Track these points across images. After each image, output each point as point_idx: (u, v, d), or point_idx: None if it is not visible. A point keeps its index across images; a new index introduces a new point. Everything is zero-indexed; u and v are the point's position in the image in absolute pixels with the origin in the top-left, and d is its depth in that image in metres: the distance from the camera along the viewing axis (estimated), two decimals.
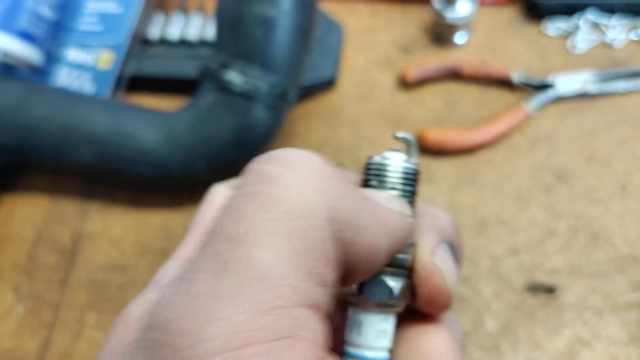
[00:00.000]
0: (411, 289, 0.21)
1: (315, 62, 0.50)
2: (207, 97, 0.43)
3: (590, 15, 0.52)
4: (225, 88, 0.42)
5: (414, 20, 0.54)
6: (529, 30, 0.53)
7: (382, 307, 0.20)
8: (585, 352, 0.39)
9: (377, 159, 0.22)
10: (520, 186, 0.46)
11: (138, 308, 0.19)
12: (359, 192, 0.19)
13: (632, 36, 0.51)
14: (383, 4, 0.56)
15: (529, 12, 0.53)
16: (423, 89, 0.51)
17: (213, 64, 0.42)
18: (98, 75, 0.51)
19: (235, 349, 0.15)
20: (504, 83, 0.50)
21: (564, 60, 0.51)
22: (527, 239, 0.43)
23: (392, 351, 0.21)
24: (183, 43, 0.52)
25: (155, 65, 0.52)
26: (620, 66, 0.50)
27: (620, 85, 0.48)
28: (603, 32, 0.51)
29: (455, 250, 0.22)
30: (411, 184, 0.21)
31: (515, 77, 0.49)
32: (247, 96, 0.42)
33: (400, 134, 0.23)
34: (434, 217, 0.23)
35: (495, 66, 0.50)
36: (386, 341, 0.21)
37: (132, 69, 0.52)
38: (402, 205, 0.21)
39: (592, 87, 0.48)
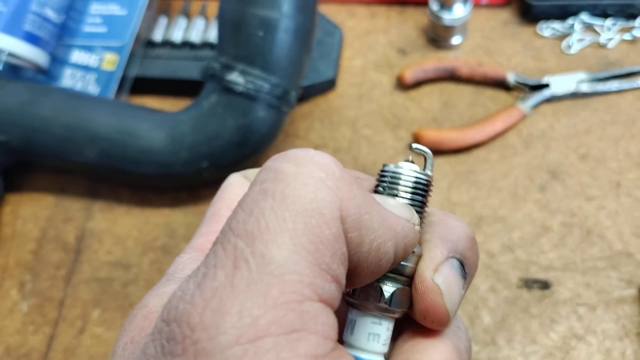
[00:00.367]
0: (409, 298, 0.21)
1: (315, 63, 0.51)
2: (210, 98, 0.44)
3: (584, 17, 0.53)
4: (227, 88, 0.43)
5: (412, 22, 0.55)
6: (524, 31, 0.54)
7: (376, 310, 0.21)
8: (580, 346, 0.40)
9: (391, 167, 0.22)
10: (516, 184, 0.47)
11: (155, 300, 0.20)
12: (369, 196, 0.19)
13: (625, 37, 0.52)
14: (381, 6, 0.57)
15: (524, 14, 0.54)
16: (420, 89, 0.52)
17: (215, 64, 0.43)
18: (102, 77, 0.52)
19: (249, 341, 0.15)
20: (500, 83, 0.51)
21: (558, 60, 0.52)
22: (523, 236, 0.44)
23: (387, 358, 0.21)
24: (186, 45, 0.53)
25: (159, 67, 0.52)
26: (614, 66, 0.51)
27: (614, 85, 0.49)
28: (597, 34, 0.52)
29: (466, 265, 0.22)
30: (422, 194, 0.22)
31: (511, 77, 0.50)
32: (248, 96, 0.43)
33: (418, 146, 0.23)
34: (448, 229, 0.22)
35: (491, 67, 0.51)
36: (378, 346, 0.21)
37: (136, 70, 0.53)
38: (410, 213, 0.21)
39: (586, 87, 0.49)
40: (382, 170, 0.22)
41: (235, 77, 0.42)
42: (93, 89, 0.52)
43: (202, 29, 0.54)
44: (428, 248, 0.21)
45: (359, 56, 0.54)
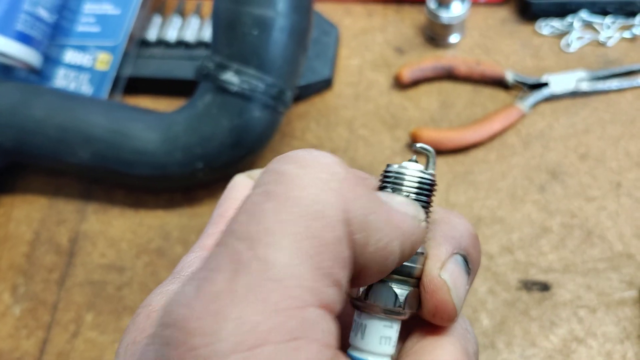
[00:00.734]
0: (418, 299, 0.21)
1: (311, 62, 0.51)
2: (204, 98, 0.43)
3: (584, 14, 0.52)
4: (221, 88, 0.42)
5: (409, 20, 0.55)
6: (523, 30, 0.53)
7: (387, 313, 0.21)
8: (580, 349, 0.40)
9: (394, 166, 0.22)
10: (515, 184, 0.46)
11: (159, 298, 0.20)
12: (374, 195, 0.19)
13: (625, 35, 0.51)
14: (378, 4, 0.56)
15: (522, 12, 0.53)
16: (418, 88, 0.51)
17: (209, 64, 0.43)
18: (96, 77, 0.51)
19: (248, 349, 0.15)
20: (498, 82, 0.50)
21: (557, 59, 0.51)
22: (522, 237, 0.44)
23: (394, 359, 0.21)
24: (180, 44, 0.53)
25: (153, 67, 0.52)
26: (614, 65, 0.50)
27: (614, 83, 0.49)
28: (596, 32, 0.52)
29: (469, 261, 0.22)
30: (426, 193, 0.22)
31: (510, 76, 0.50)
32: (243, 96, 0.42)
33: (420, 145, 0.23)
34: (451, 226, 0.22)
35: (490, 65, 0.50)
36: (389, 348, 0.21)
37: (130, 70, 0.52)
38: (416, 209, 0.20)
39: (586, 86, 0.49)
40: (386, 171, 0.22)
41: (230, 77, 0.42)
42: (86, 89, 0.51)
43: (196, 28, 0.53)
44: (432, 246, 0.21)
45: (355, 55, 0.54)
